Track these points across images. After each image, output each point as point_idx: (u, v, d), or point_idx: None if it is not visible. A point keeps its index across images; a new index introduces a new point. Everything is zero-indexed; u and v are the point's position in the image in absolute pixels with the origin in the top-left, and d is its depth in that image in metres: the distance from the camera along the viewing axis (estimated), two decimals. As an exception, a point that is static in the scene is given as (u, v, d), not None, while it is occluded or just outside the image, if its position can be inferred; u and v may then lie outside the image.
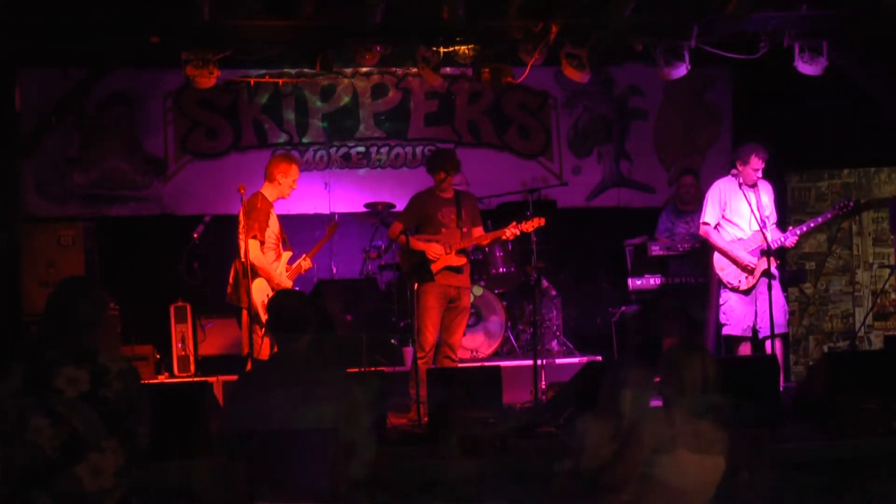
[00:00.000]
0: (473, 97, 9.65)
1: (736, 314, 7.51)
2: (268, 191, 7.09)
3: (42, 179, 8.99)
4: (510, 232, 7.55)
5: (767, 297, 7.28)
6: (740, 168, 7.50)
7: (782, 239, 7.51)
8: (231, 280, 7.08)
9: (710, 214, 7.60)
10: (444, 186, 7.56)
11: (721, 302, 7.58)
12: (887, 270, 8.54)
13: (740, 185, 7.47)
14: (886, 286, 8.59)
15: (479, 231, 7.71)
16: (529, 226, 7.54)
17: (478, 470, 5.93)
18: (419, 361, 7.39)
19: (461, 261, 7.57)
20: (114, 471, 3.65)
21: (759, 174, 7.45)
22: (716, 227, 7.59)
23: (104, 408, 3.64)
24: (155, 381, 8.07)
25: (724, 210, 7.57)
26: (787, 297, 8.83)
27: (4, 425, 3.60)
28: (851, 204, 7.91)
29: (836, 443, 6.24)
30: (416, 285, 7.36)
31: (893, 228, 8.40)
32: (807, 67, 7.64)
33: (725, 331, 7.58)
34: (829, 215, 7.82)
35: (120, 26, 7.05)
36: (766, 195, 7.57)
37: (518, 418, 6.79)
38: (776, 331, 7.45)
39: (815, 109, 8.74)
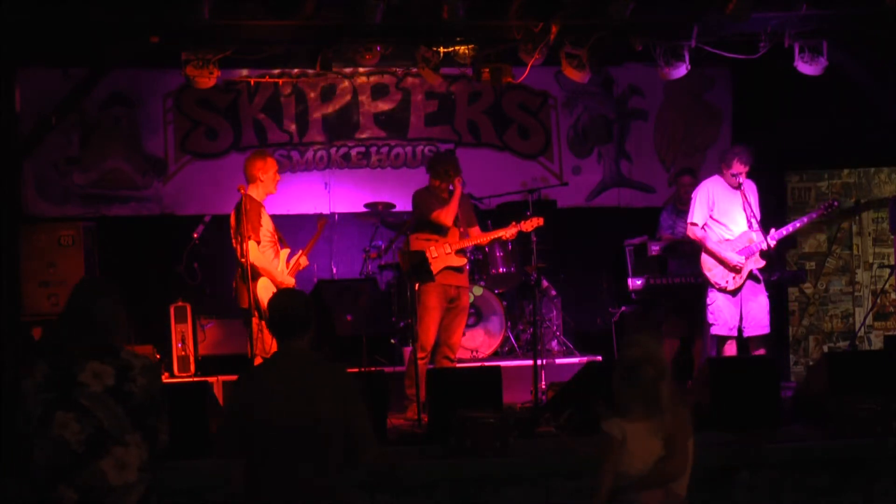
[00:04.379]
0: (473, 97, 9.65)
1: (723, 314, 7.53)
2: (254, 191, 7.10)
3: (42, 179, 8.99)
4: (510, 232, 7.61)
5: (749, 297, 7.44)
6: (724, 170, 7.54)
7: (765, 240, 7.48)
8: (234, 285, 7.10)
9: (697, 215, 7.62)
10: (444, 188, 7.58)
11: (708, 302, 7.59)
12: (887, 270, 8.55)
13: (729, 185, 7.52)
14: (886, 286, 8.60)
15: (475, 231, 7.73)
16: (529, 225, 7.59)
17: (478, 470, 5.94)
18: (420, 361, 7.39)
19: (461, 261, 7.59)
20: (137, 465, 3.68)
21: (741, 178, 7.46)
22: (703, 227, 7.60)
23: (129, 402, 3.67)
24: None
25: (711, 210, 7.59)
26: (786, 297, 8.86)
27: (30, 422, 3.63)
28: (836, 203, 7.91)
29: (836, 443, 6.25)
30: (416, 285, 7.36)
31: (893, 228, 8.41)
32: (807, 67, 7.64)
33: (713, 330, 7.60)
34: (815, 215, 7.81)
35: (120, 26, 7.04)
36: (751, 196, 7.58)
37: (518, 418, 6.80)
38: (759, 332, 7.52)
39: (815, 109, 8.75)
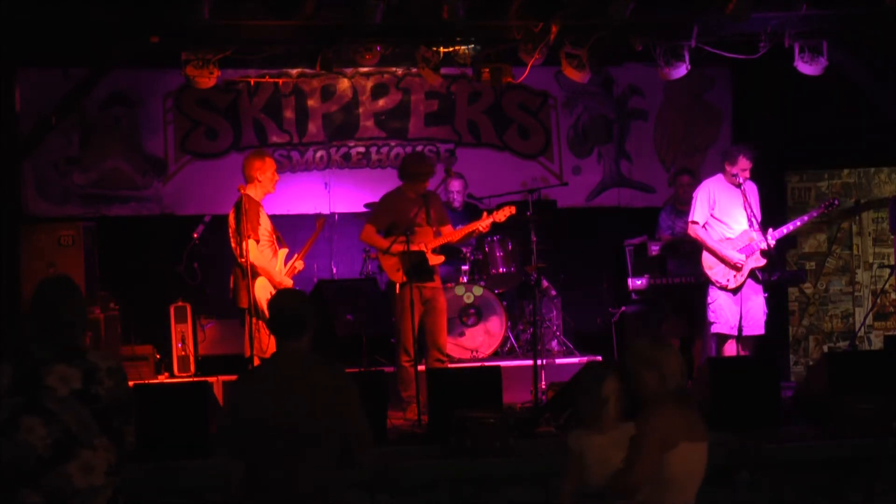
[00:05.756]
0: (473, 97, 9.64)
1: (724, 313, 7.54)
2: (252, 191, 7.10)
3: (42, 179, 8.99)
4: (484, 224, 7.61)
5: (749, 296, 7.44)
6: (728, 168, 7.54)
7: (765, 240, 7.48)
8: (231, 286, 7.09)
9: (698, 213, 7.63)
10: (419, 189, 7.59)
11: (710, 301, 7.59)
12: (887, 270, 8.54)
13: (730, 184, 7.52)
14: (886, 286, 8.60)
15: (448, 229, 7.73)
16: (501, 215, 7.61)
17: (478, 470, 5.94)
18: (406, 364, 7.41)
19: (438, 260, 7.59)
20: (105, 469, 3.66)
21: (747, 174, 7.47)
22: (704, 226, 7.61)
23: (96, 405, 3.65)
24: (155, 381, 8.08)
25: (712, 209, 7.60)
26: (786, 297, 8.86)
27: None
28: (836, 202, 7.94)
29: (836, 443, 6.25)
30: (397, 288, 7.39)
31: (893, 228, 8.41)
32: (807, 67, 7.64)
33: (714, 329, 7.61)
34: (815, 214, 7.84)
35: (120, 26, 7.05)
36: (751, 195, 7.58)
37: (518, 418, 6.80)
38: (755, 332, 7.52)
39: (815, 109, 8.74)
